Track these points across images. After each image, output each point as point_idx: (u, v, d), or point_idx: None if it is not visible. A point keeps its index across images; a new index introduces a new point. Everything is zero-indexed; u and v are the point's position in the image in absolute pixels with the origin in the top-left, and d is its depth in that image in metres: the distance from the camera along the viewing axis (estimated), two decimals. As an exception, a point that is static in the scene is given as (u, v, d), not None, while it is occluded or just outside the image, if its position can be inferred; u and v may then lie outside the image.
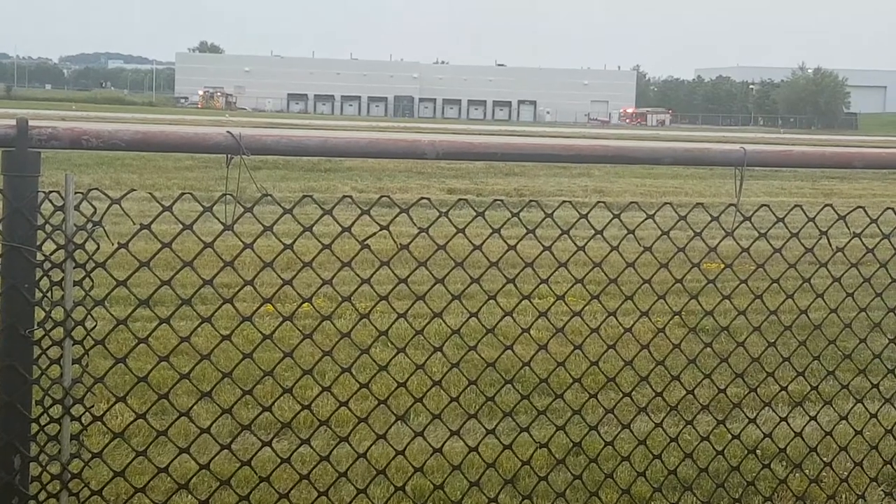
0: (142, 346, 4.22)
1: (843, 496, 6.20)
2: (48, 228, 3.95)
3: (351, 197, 4.49)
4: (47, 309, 3.98)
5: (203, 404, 6.27)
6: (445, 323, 6.76)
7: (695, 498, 5.73)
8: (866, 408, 5.59)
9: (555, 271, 4.79)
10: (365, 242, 4.34)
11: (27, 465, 4.01)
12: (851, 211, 5.20)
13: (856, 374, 5.89)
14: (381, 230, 4.35)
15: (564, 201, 4.92)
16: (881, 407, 5.69)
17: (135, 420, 4.48)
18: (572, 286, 4.97)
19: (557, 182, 30.18)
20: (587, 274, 4.95)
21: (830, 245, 5.04)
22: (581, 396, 5.88)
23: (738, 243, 4.96)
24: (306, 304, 4.55)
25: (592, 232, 4.72)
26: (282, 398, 4.94)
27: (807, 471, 6.10)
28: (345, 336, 4.50)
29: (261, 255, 4.29)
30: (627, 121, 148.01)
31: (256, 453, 4.51)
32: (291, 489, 4.56)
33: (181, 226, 4.17)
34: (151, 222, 4.01)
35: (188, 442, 4.46)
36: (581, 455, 5.91)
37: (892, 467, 5.89)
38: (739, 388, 6.35)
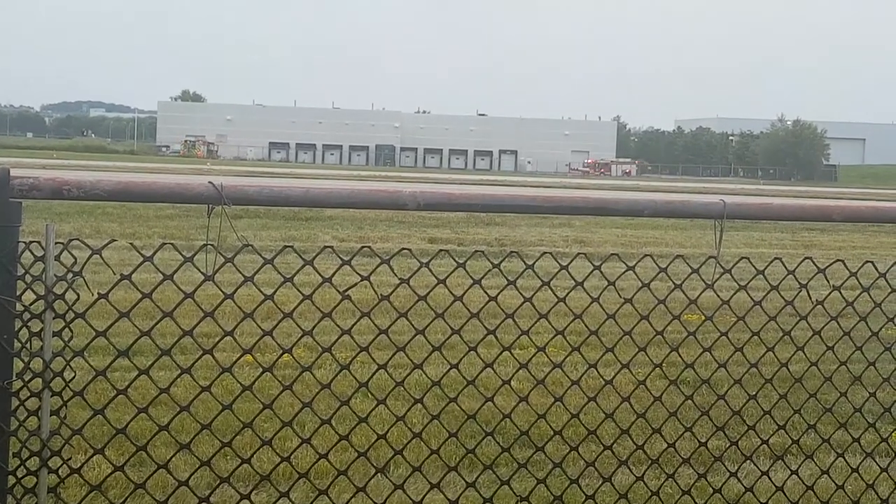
0: (120, 396, 4.20)
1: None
2: (28, 279, 3.94)
3: (332, 247, 4.49)
4: (26, 360, 3.95)
5: (182, 456, 6.22)
6: (426, 374, 6.73)
7: (676, 551, 5.70)
8: (847, 462, 5.59)
9: (535, 323, 4.79)
10: (346, 293, 4.33)
11: (3, 518, 3.96)
12: (831, 264, 5.23)
13: (837, 427, 5.89)
14: (361, 280, 4.35)
15: (545, 252, 4.92)
16: (862, 461, 5.69)
17: (113, 472, 4.43)
18: (553, 337, 4.96)
19: (539, 232, 30.25)
20: (568, 325, 4.95)
21: (810, 298, 5.06)
22: (562, 448, 5.86)
23: (718, 295, 4.97)
24: (286, 354, 4.53)
25: (573, 283, 4.73)
26: (261, 449, 4.91)
27: (788, 524, 6.08)
28: (325, 388, 4.49)
29: (241, 304, 4.28)
30: (591, 172, 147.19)
31: (235, 506, 4.48)
32: (270, 542, 4.52)
33: (161, 275, 4.16)
34: (132, 273, 4.00)
35: (166, 494, 4.42)
36: (562, 508, 5.88)
37: (874, 521, 5.88)
38: (721, 440, 6.34)
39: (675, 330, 5.48)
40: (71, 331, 4.07)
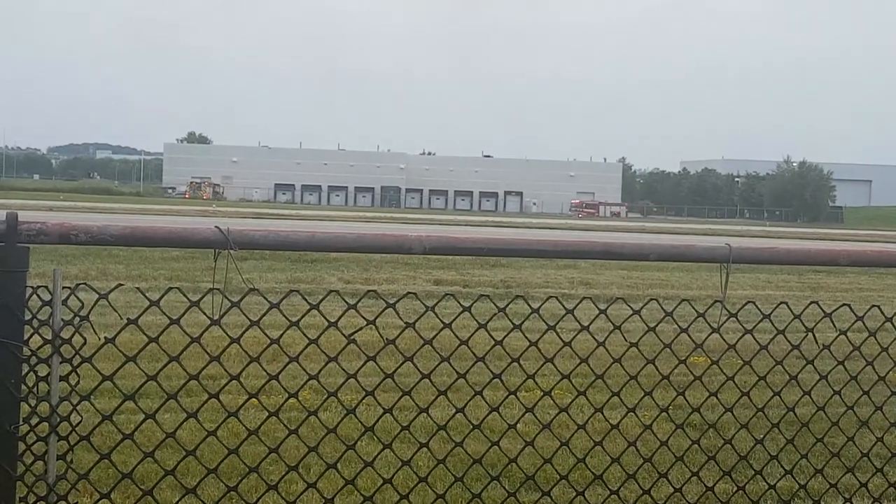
0: (127, 440, 4.19)
1: None
2: (35, 323, 3.94)
3: (338, 291, 4.50)
4: (33, 404, 3.95)
5: (188, 500, 6.19)
6: (431, 418, 6.71)
7: None
8: (855, 505, 5.56)
9: (541, 366, 4.79)
10: (352, 337, 4.33)
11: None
12: (837, 308, 5.22)
13: (844, 472, 5.86)
14: (367, 325, 4.35)
15: (551, 296, 4.93)
16: (870, 505, 5.66)
17: (118, 516, 4.43)
18: (559, 381, 4.96)
19: (544, 273, 30.21)
20: (574, 368, 4.94)
21: (817, 342, 5.05)
22: (568, 493, 5.84)
23: (724, 339, 4.96)
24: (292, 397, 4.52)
25: (579, 326, 4.73)
26: (266, 494, 4.90)
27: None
28: (331, 431, 4.48)
29: (247, 346, 4.29)
30: (580, 214, 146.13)
31: (240, 550, 4.46)
32: (275, 587, 4.50)
33: (167, 318, 4.17)
34: (138, 317, 4.01)
35: (171, 539, 4.41)
36: (568, 552, 5.85)
37: (882, 566, 5.84)
38: (727, 484, 6.31)
39: (682, 373, 5.48)
40: (78, 375, 4.07)
